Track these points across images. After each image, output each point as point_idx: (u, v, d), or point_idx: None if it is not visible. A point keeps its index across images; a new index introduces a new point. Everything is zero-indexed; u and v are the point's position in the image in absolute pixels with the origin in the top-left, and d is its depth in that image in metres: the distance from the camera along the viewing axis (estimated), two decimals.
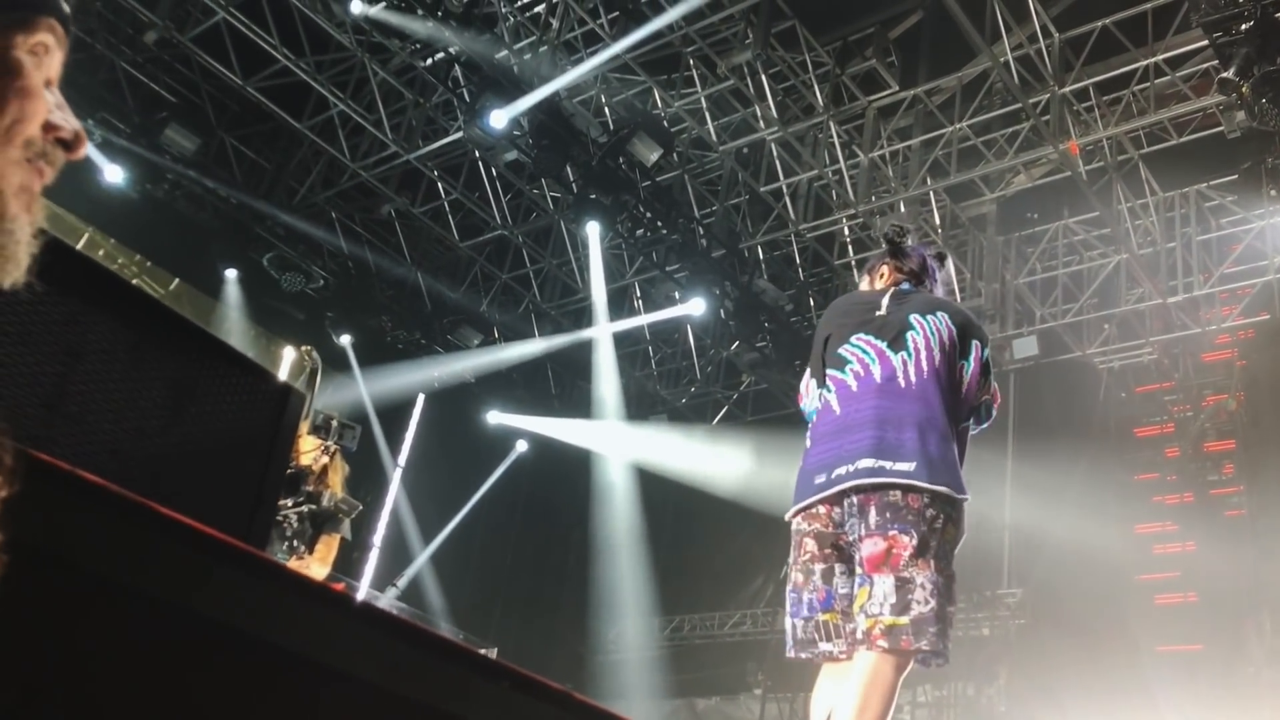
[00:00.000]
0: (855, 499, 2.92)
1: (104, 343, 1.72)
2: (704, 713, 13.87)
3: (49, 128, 1.12)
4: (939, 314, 3.21)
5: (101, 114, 10.14)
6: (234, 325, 11.41)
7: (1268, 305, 10.57)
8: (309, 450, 6.68)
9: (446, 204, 12.14)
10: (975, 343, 3.20)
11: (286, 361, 7.59)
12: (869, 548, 2.84)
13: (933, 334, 3.13)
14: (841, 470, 2.94)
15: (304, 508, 6.51)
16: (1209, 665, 10.70)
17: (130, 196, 10.56)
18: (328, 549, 6.59)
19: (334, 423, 6.86)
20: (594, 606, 13.37)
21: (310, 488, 6.57)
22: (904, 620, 2.74)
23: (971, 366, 3.16)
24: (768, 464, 12.32)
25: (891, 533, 2.81)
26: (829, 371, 3.21)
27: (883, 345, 3.14)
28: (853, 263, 12.35)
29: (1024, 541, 11.70)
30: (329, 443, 6.73)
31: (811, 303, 12.60)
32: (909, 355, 3.09)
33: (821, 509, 3.00)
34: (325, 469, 6.68)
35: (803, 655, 2.99)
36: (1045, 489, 11.25)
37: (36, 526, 1.02)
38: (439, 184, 11.80)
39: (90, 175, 9.93)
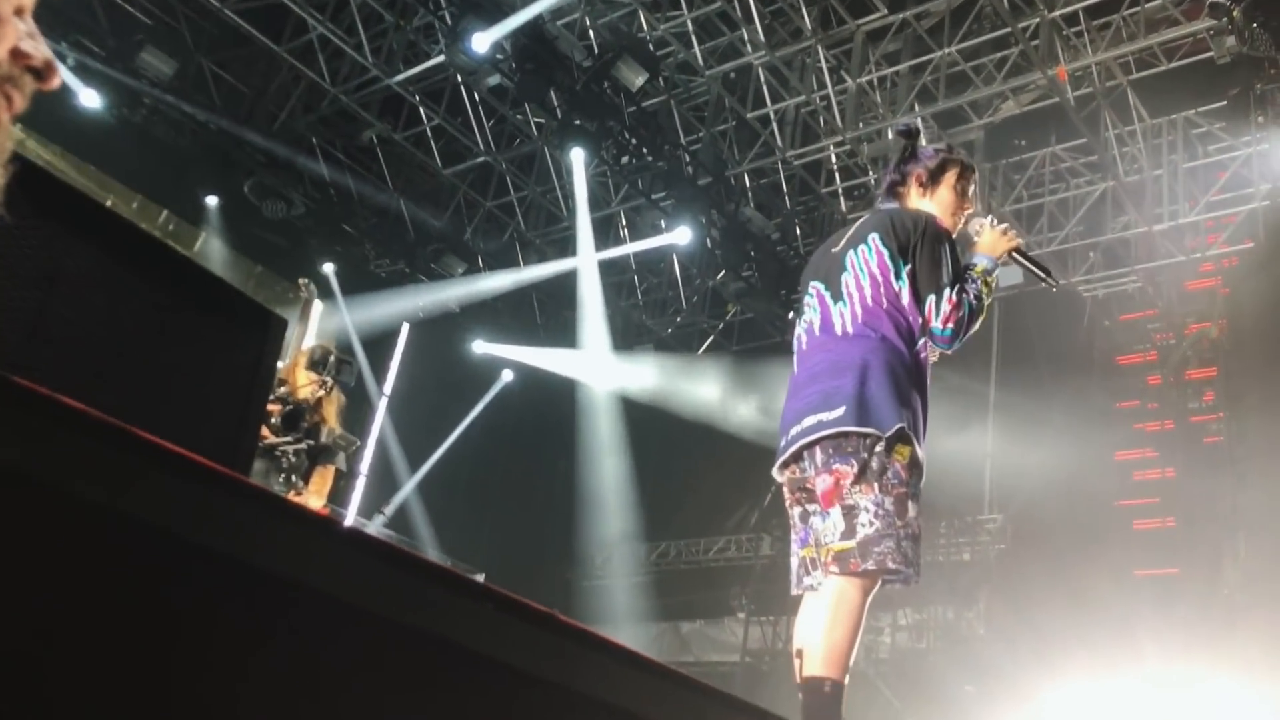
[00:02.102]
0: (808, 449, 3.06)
1: (83, 268, 1.70)
2: (688, 636, 14.10)
3: (18, 55, 1.09)
4: (870, 238, 3.20)
5: (75, 36, 9.93)
6: (216, 252, 11.32)
7: (1252, 233, 10.57)
8: (305, 384, 6.66)
9: (429, 130, 12.00)
10: (906, 267, 3.13)
11: (316, 313, 7.37)
12: (821, 485, 2.98)
13: (861, 269, 3.16)
14: (794, 431, 3.08)
15: (303, 443, 6.52)
16: (1185, 589, 10.89)
17: (107, 121, 10.39)
18: (323, 481, 6.63)
19: (331, 358, 6.82)
20: (581, 533, 13.50)
21: (307, 423, 6.57)
22: (851, 544, 2.87)
23: (905, 284, 3.12)
24: (753, 393, 12.37)
25: (835, 466, 2.94)
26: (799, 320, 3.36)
27: (826, 293, 3.22)
28: (840, 191, 12.28)
29: (1006, 468, 11.83)
30: (326, 378, 6.71)
31: (798, 231, 12.55)
32: (844, 303, 3.15)
33: (791, 462, 3.15)
34: (320, 401, 6.68)
35: (796, 591, 3.14)
36: (1028, 416, 11.34)
37: (17, 450, 1.02)
38: (421, 109, 11.65)
39: (65, 99, 9.75)
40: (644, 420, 13.42)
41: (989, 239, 3.31)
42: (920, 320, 3.11)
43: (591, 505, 13.24)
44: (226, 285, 2.11)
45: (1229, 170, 10.59)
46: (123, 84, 10.26)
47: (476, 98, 11.61)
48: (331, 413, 6.74)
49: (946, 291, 3.09)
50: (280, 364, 6.32)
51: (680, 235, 11.57)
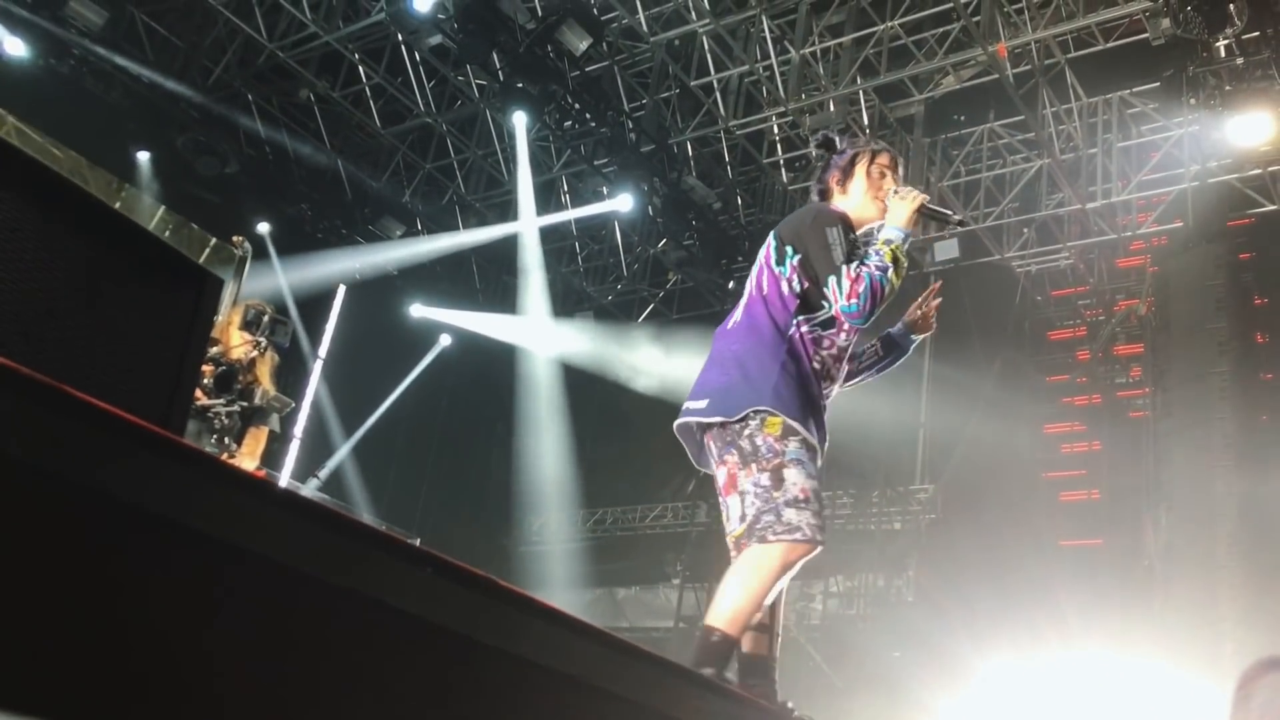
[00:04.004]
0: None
1: (10, 221, 1.65)
2: (623, 601, 14.19)
3: None
4: (771, 235, 3.35)
5: None
6: (147, 209, 11.06)
7: (1181, 212, 10.81)
8: (239, 345, 6.55)
9: (368, 89, 11.80)
10: (789, 249, 3.23)
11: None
12: (720, 477, 3.15)
13: (760, 262, 3.31)
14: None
15: (236, 405, 6.41)
16: (1107, 559, 11.20)
17: (34, 72, 10.07)
18: (256, 443, 6.52)
19: (265, 317, 6.69)
20: (518, 499, 13.49)
21: (241, 384, 6.47)
22: (742, 528, 3.04)
23: (786, 273, 3.21)
24: (691, 362, 12.41)
25: (725, 457, 3.11)
26: None
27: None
28: (781, 162, 12.32)
29: (938, 439, 12.02)
30: (260, 338, 6.59)
31: (740, 201, 12.57)
32: (744, 296, 3.32)
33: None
34: (254, 362, 6.57)
35: None
36: (961, 388, 11.53)
37: None
38: (360, 68, 11.45)
39: None
40: (582, 387, 13.42)
41: (893, 209, 3.30)
42: (798, 303, 3.19)
43: (529, 471, 13.23)
44: (161, 242, 2.07)
45: (1161, 151, 10.81)
46: (50, 33, 9.94)
47: (417, 57, 11.44)
48: (265, 374, 6.63)
49: (844, 269, 3.10)
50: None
51: (622, 202, 11.54)
